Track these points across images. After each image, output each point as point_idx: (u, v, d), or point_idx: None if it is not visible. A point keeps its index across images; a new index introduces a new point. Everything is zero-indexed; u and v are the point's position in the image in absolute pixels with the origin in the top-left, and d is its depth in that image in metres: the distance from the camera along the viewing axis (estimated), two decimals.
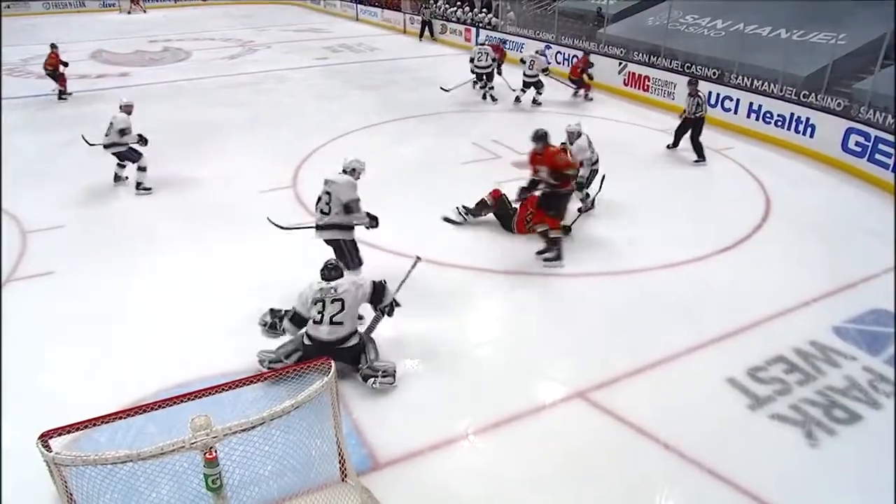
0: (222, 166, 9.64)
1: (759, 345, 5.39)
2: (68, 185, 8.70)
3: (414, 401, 4.76)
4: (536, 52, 13.33)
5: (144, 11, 29.01)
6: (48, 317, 5.83)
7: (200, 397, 3.09)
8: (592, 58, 13.80)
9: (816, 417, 4.61)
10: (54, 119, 12.12)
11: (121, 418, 3.05)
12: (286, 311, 4.98)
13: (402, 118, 12.26)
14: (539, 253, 6.78)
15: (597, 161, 8.03)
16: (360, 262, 5.79)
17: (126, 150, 8.31)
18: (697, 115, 9.77)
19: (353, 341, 4.84)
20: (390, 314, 5.11)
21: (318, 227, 5.70)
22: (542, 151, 6.66)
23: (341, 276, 4.82)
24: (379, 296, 4.96)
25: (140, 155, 8.43)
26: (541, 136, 6.68)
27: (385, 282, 5.07)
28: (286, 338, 4.99)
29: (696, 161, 9.85)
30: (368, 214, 5.78)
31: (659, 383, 4.98)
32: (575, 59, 14.53)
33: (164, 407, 3.07)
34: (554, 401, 4.79)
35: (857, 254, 7.02)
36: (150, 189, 8.51)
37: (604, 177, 7.84)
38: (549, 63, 13.76)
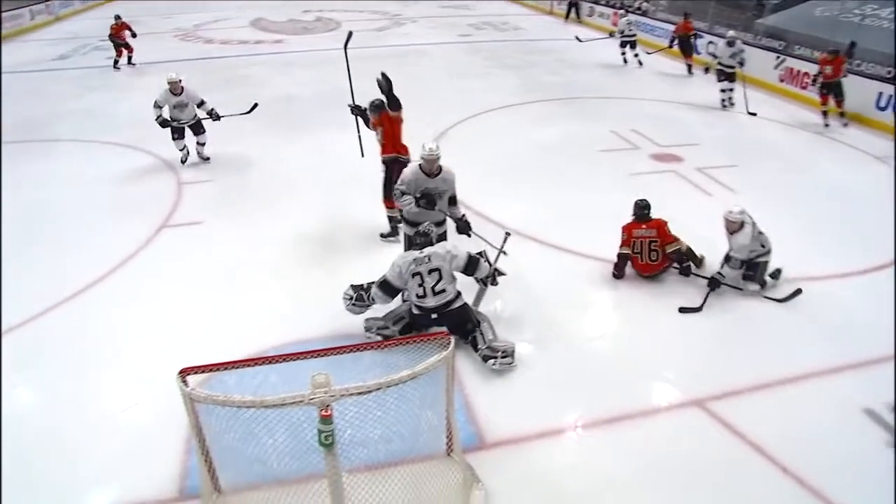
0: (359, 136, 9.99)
1: None
2: (220, 144, 9.29)
3: (526, 385, 4.75)
4: (727, 41, 12.19)
5: None
6: (192, 263, 6.39)
7: (323, 356, 3.22)
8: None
9: None
10: (219, 81, 12.99)
11: (249, 366, 3.27)
12: (369, 284, 5.08)
13: (542, 100, 12.08)
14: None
15: (767, 252, 6.00)
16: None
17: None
18: None
19: (459, 303, 4.95)
20: (494, 283, 5.18)
21: None
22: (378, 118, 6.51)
23: (430, 243, 4.88)
24: (473, 268, 4.98)
25: (171, 131, 8.73)
26: (374, 107, 6.58)
27: (482, 253, 5.10)
28: (379, 307, 5.10)
29: None
30: (417, 201, 5.43)
31: (786, 402, 4.64)
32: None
33: (288, 360, 3.24)
34: (669, 405, 4.61)
35: None
36: (183, 161, 8.90)
37: (799, 290, 5.96)
38: (742, 55, 11.66)
